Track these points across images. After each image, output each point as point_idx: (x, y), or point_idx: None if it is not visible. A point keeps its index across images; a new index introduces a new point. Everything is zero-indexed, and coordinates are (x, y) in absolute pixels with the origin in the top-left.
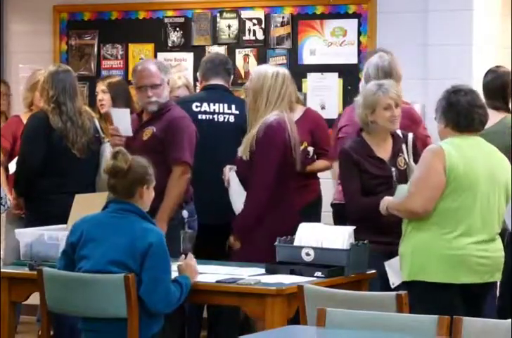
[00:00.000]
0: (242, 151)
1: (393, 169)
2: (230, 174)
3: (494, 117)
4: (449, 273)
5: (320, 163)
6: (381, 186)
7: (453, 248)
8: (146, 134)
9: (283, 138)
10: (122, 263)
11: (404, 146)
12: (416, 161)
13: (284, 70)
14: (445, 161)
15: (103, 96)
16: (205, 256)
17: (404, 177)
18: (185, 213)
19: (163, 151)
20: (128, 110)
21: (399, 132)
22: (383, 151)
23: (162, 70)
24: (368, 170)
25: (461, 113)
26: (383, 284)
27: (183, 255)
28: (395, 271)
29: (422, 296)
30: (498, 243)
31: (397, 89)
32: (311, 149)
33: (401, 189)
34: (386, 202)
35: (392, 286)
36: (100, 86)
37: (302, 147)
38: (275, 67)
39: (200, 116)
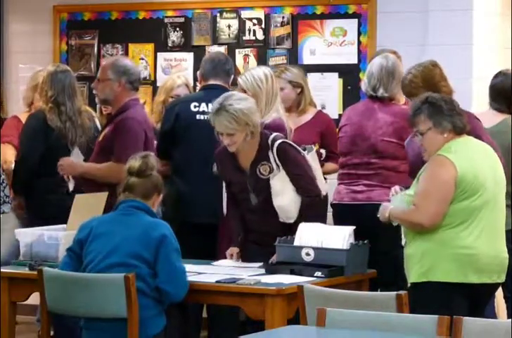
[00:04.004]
0: None
1: (252, 179)
2: None
3: (496, 117)
4: (459, 272)
5: (329, 166)
6: (242, 193)
7: (463, 248)
8: (102, 135)
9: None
10: (138, 255)
11: (270, 154)
12: (287, 168)
13: (270, 70)
14: (456, 172)
15: None
16: (197, 256)
17: (263, 185)
18: None
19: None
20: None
21: (272, 137)
22: (245, 157)
23: (117, 69)
24: (228, 177)
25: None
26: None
27: None
28: None
29: (432, 296)
30: (504, 244)
31: (241, 112)
32: (323, 151)
33: (397, 198)
34: (387, 209)
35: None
36: None
37: (314, 149)
38: (261, 68)
39: (198, 116)
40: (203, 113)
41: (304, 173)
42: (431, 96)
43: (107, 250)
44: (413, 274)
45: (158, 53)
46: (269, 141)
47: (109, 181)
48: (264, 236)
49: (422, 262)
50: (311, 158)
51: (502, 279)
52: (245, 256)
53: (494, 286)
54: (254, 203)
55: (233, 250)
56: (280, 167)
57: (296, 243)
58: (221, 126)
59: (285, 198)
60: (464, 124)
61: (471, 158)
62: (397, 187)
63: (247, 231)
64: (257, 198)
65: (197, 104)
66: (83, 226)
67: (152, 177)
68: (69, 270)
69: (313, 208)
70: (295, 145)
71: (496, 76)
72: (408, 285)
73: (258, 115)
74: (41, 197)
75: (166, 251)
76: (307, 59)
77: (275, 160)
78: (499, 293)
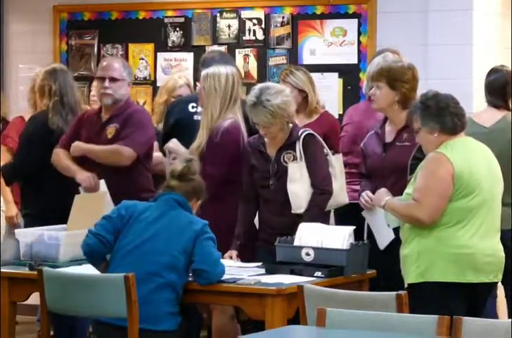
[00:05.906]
0: (194, 151)
1: (275, 164)
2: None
3: (494, 115)
4: (457, 272)
5: None
6: (262, 180)
7: (460, 247)
8: (110, 132)
9: (238, 142)
10: (178, 243)
11: (297, 144)
12: (307, 159)
13: (235, 70)
14: (452, 169)
15: (95, 93)
16: None
17: (283, 171)
18: None
19: None
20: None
21: (301, 130)
22: (273, 146)
23: (126, 69)
24: (254, 163)
25: (439, 116)
26: None
27: None
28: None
29: (430, 296)
30: (500, 243)
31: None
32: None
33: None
34: (384, 197)
35: (382, 248)
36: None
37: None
38: (226, 68)
39: (195, 117)
40: (201, 114)
41: (319, 167)
42: (426, 94)
43: (148, 235)
44: (411, 275)
45: (158, 53)
46: (299, 132)
47: (109, 162)
48: (273, 233)
49: (419, 262)
50: (336, 161)
51: (499, 278)
52: (254, 255)
53: (491, 286)
54: (272, 188)
55: (232, 253)
56: (303, 158)
57: (296, 243)
58: (258, 119)
59: (299, 185)
60: (455, 124)
61: (468, 157)
62: (368, 192)
63: (256, 229)
64: (275, 183)
65: (194, 105)
66: (128, 205)
67: (193, 181)
68: (105, 230)
69: (319, 203)
70: (322, 141)
71: (489, 73)
72: (406, 286)
73: (294, 104)
74: (40, 198)
75: (202, 239)
76: (307, 59)
77: (300, 151)
78: (501, 293)
